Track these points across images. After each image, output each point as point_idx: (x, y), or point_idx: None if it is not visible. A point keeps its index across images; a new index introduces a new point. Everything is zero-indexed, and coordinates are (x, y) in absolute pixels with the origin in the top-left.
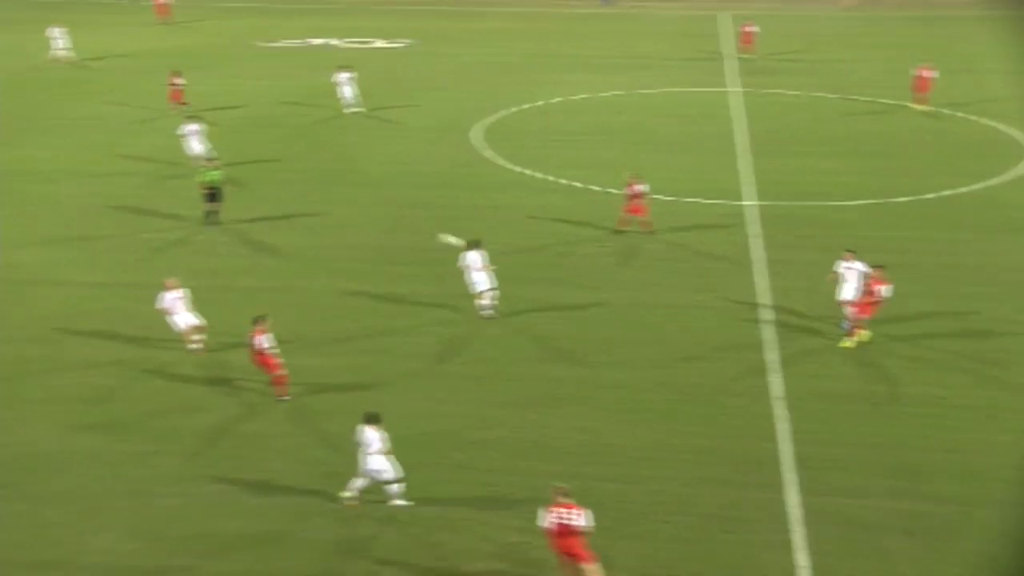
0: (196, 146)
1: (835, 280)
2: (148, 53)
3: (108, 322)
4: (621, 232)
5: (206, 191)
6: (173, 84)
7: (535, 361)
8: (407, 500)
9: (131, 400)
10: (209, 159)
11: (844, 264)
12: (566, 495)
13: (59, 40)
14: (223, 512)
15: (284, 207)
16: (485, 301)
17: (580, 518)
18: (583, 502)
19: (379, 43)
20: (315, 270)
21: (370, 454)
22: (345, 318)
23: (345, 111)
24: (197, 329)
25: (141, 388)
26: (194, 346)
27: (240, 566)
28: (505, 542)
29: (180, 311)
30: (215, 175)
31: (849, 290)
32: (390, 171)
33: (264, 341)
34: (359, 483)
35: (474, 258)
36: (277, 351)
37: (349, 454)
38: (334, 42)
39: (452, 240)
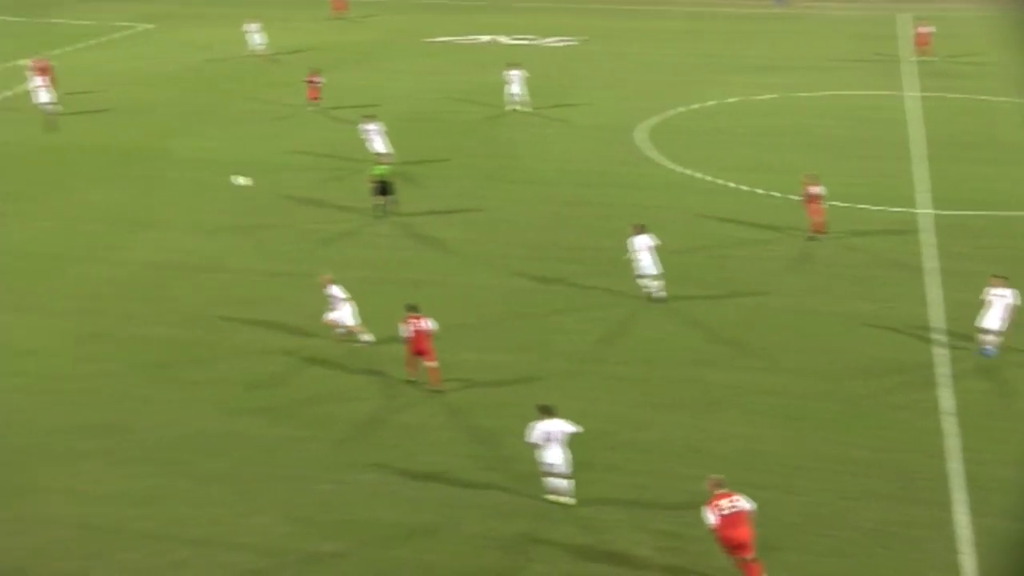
0: (378, 144)
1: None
2: (324, 47)
3: (272, 310)
4: (814, 239)
5: (375, 184)
6: (312, 82)
7: (693, 364)
8: (571, 498)
9: (290, 387)
10: (384, 154)
11: (993, 291)
12: (721, 485)
13: (255, 35)
14: (377, 501)
15: (448, 202)
16: (654, 284)
17: (744, 502)
18: None
19: (547, 41)
20: (477, 265)
21: (546, 447)
22: (504, 314)
23: (507, 108)
24: (341, 323)
25: (300, 375)
26: (341, 333)
27: (392, 555)
28: (656, 546)
29: (337, 305)
30: (384, 169)
31: (993, 319)
32: (554, 169)
33: (427, 324)
34: (553, 482)
35: (642, 242)
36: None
37: (502, 448)
38: (502, 39)
39: (242, 181)
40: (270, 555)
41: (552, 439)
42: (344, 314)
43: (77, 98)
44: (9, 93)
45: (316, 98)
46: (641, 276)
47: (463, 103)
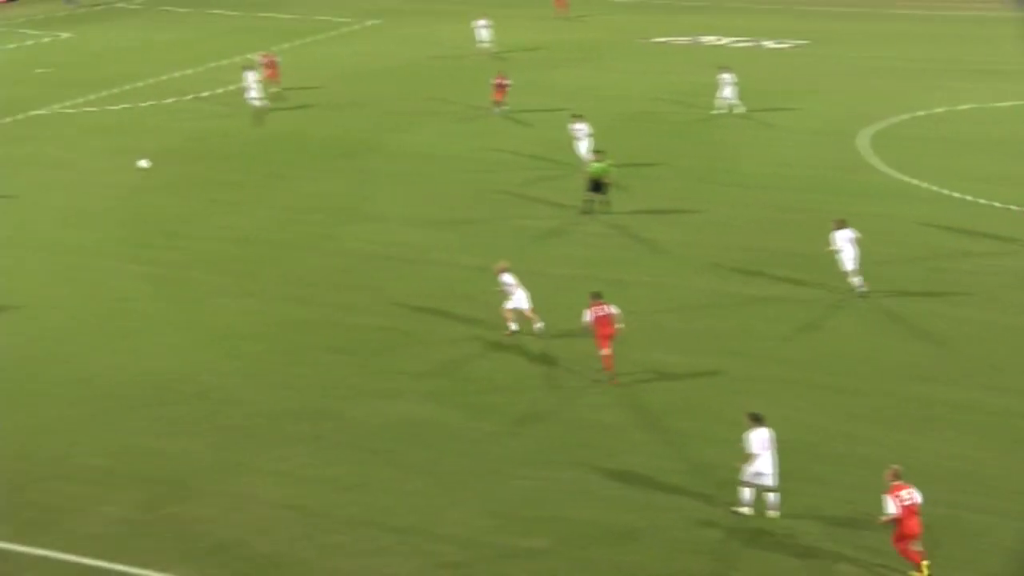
0: (582, 145)
1: None
2: (545, 46)
3: (480, 305)
4: None
5: (590, 180)
6: (499, 84)
7: (907, 378)
8: (777, 512)
9: (495, 381)
10: (596, 152)
11: None
12: (899, 476)
13: (483, 31)
14: (577, 499)
15: (658, 203)
16: (856, 279)
17: (918, 494)
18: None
19: (769, 43)
20: (685, 267)
21: (756, 457)
22: (712, 317)
23: (715, 111)
24: (520, 313)
25: (505, 371)
26: (513, 330)
27: (591, 555)
28: (859, 562)
29: (511, 291)
30: (600, 166)
31: None
32: (768, 173)
33: (610, 309)
34: (747, 494)
35: (843, 236)
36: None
37: (702, 453)
38: (723, 40)
39: (144, 164)
40: (469, 547)
41: (766, 447)
42: (519, 299)
43: (299, 92)
44: (232, 87)
45: (501, 99)
46: (847, 272)
47: (678, 104)
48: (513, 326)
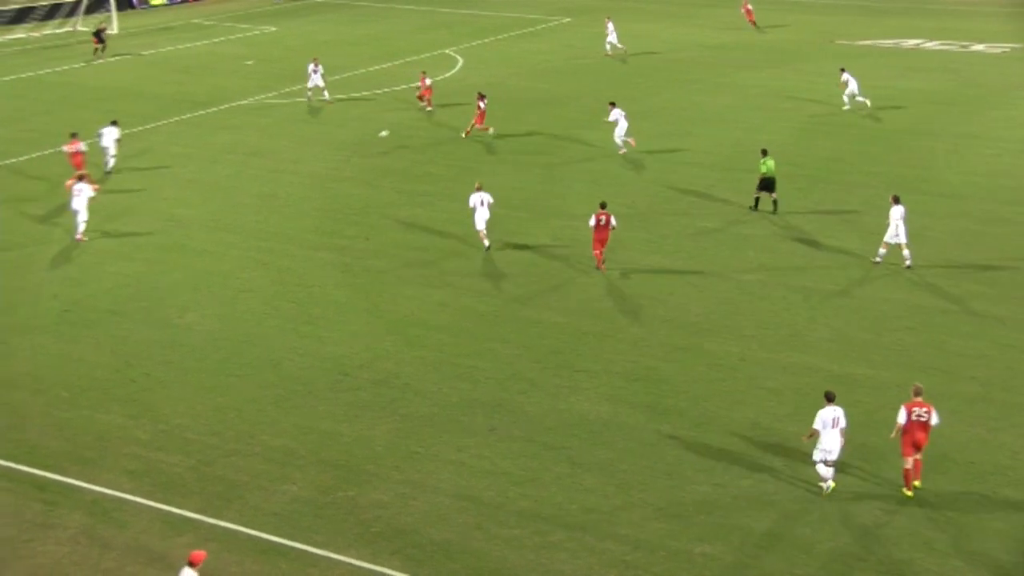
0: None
1: None
2: (740, 46)
3: (664, 305)
4: None
5: (761, 180)
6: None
7: None
8: (829, 483)
9: (675, 384)
10: (762, 150)
11: None
12: (920, 393)
13: (610, 36)
14: (753, 508)
15: (846, 208)
16: (904, 252)
17: (935, 416)
18: None
19: (977, 47)
20: (878, 278)
21: (825, 433)
22: (907, 330)
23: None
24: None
25: (687, 374)
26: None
27: (765, 565)
28: None
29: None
30: (770, 164)
31: None
32: (972, 183)
33: (610, 220)
34: (823, 470)
35: (897, 212)
36: None
37: (890, 470)
38: (928, 44)
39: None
40: (640, 549)
41: (834, 425)
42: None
43: (491, 87)
44: (440, 76)
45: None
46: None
47: (879, 109)
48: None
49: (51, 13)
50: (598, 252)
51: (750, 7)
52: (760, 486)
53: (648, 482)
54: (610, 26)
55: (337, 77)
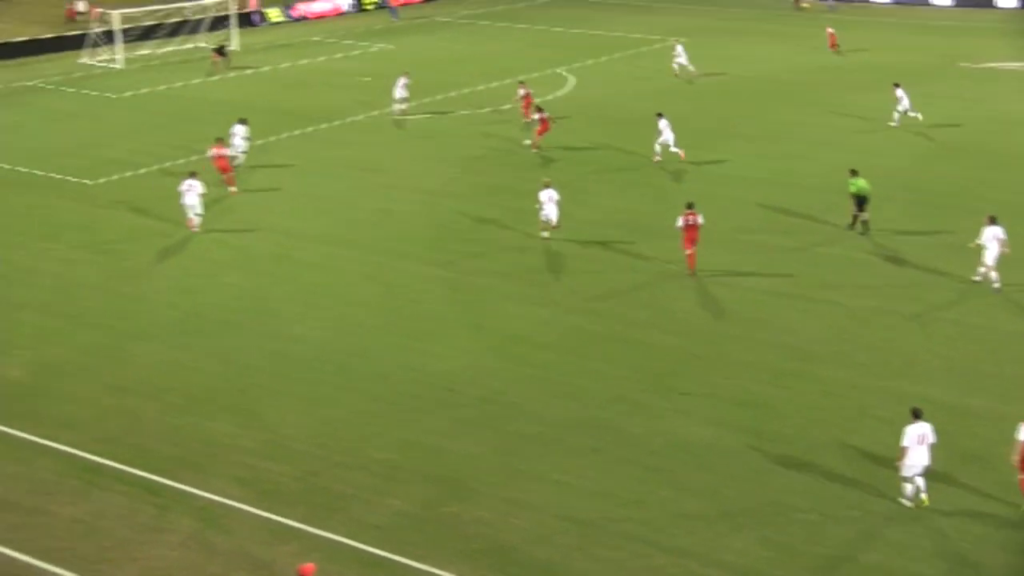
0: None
1: None
2: (855, 68)
3: (771, 329)
4: None
5: (854, 198)
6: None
7: None
8: (910, 501)
9: (782, 411)
10: (851, 170)
11: None
12: (691, 207)
13: (679, 57)
14: (862, 541)
15: (962, 234)
16: (992, 274)
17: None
18: None
19: None
20: (996, 307)
21: (913, 449)
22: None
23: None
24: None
25: (797, 401)
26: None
27: None
28: None
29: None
30: (860, 183)
31: None
32: None
33: (698, 219)
34: (907, 488)
35: (990, 233)
36: None
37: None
38: None
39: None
40: None
41: (921, 442)
42: (550, 212)
43: (602, 107)
44: (551, 95)
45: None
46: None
47: (999, 133)
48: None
49: (175, 30)
50: (691, 253)
51: (831, 30)
52: (869, 519)
53: (753, 509)
54: (679, 48)
55: (453, 94)
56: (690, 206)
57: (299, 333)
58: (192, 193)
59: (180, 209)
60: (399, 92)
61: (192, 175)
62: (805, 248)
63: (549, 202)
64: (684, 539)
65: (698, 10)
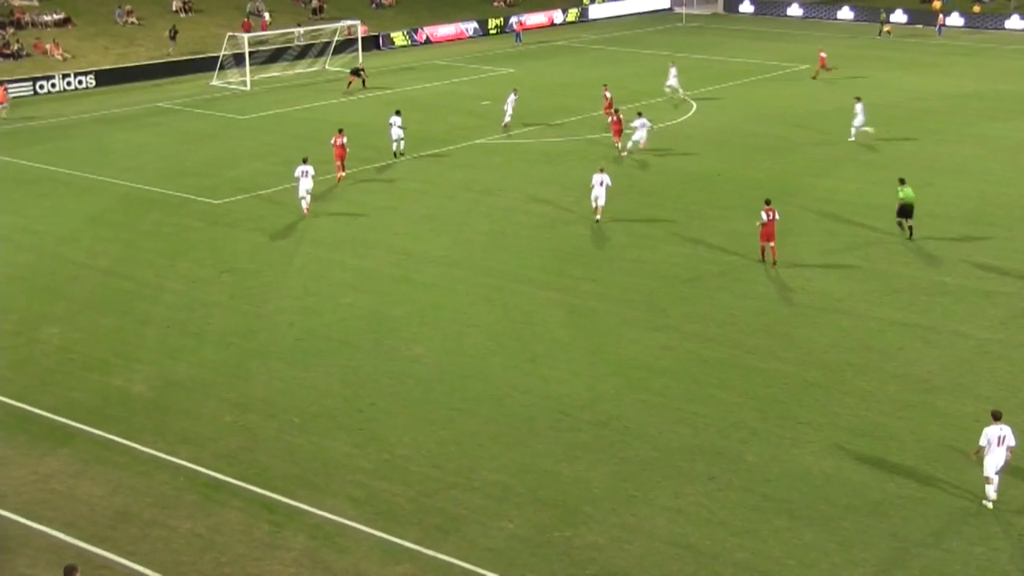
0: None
1: None
2: (986, 96)
3: (892, 360)
4: None
5: (900, 206)
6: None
7: None
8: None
9: (903, 440)
10: (901, 180)
11: None
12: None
13: (671, 79)
14: None
15: None
16: None
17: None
18: None
19: None
20: None
21: (990, 451)
22: None
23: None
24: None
25: (917, 432)
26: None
27: None
28: None
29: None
30: (908, 192)
31: None
32: None
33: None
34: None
35: None
36: None
37: None
38: None
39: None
40: None
41: (999, 443)
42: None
43: (721, 132)
44: (673, 121)
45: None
46: None
47: None
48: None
49: (303, 53)
50: (773, 246)
51: (823, 55)
52: (992, 555)
53: (871, 542)
54: (673, 70)
55: (575, 118)
56: (768, 202)
57: (416, 354)
58: (307, 178)
59: (295, 194)
60: (509, 107)
61: (305, 160)
62: (933, 279)
63: (599, 186)
64: (799, 571)
65: (812, 36)
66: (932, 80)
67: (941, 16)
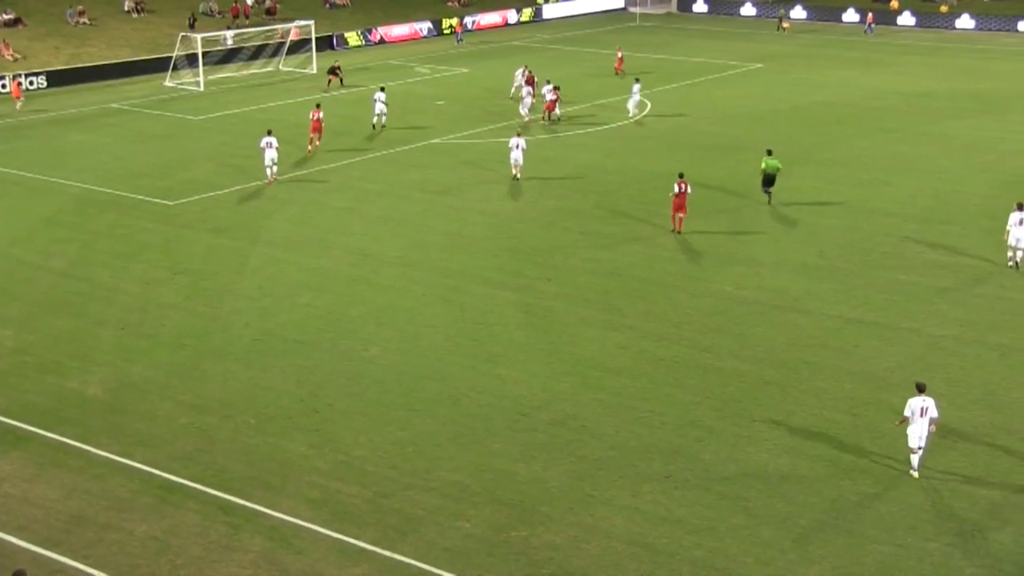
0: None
1: None
2: (943, 95)
3: (847, 358)
4: None
5: (763, 176)
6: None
7: None
8: (915, 471)
9: (860, 440)
10: (768, 151)
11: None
12: (681, 176)
13: (634, 96)
14: (939, 572)
15: None
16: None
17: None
18: None
19: None
20: None
21: (913, 421)
22: None
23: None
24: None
25: (874, 430)
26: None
27: None
28: None
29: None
30: (771, 163)
31: None
32: None
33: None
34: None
35: (1015, 217)
36: None
37: None
38: None
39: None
40: None
41: (922, 414)
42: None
43: (678, 132)
44: (618, 124)
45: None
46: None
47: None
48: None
49: (256, 54)
50: (682, 217)
51: (621, 55)
52: (946, 550)
53: (827, 539)
54: (635, 87)
55: (532, 118)
56: (681, 175)
57: (373, 354)
58: (271, 149)
59: (260, 164)
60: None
61: (269, 132)
62: (888, 276)
63: (516, 148)
64: (756, 568)
65: (768, 36)
66: (887, 79)
67: (870, 15)
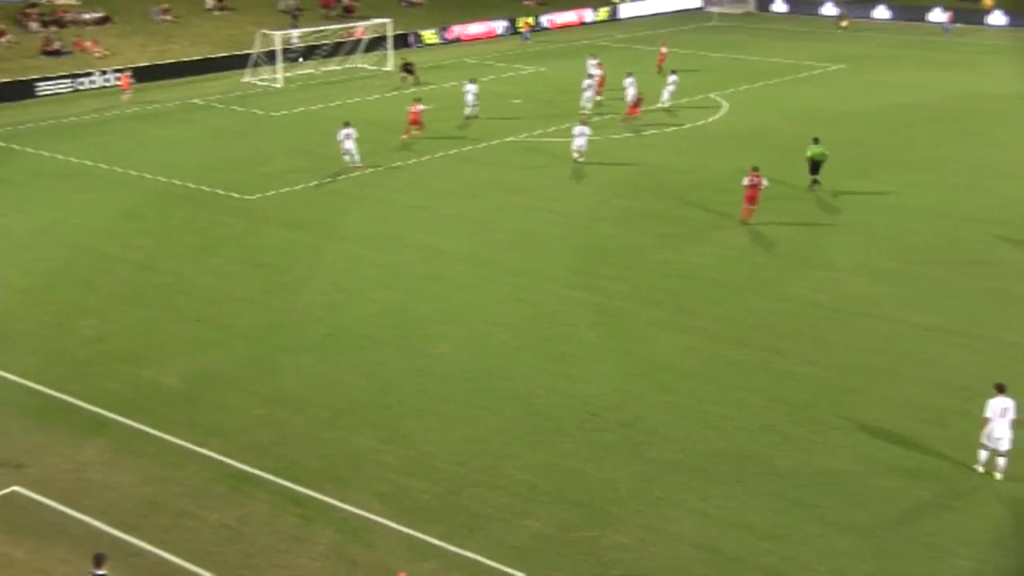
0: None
1: None
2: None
3: (923, 366)
4: None
5: (809, 162)
6: None
7: None
8: (1001, 474)
9: (939, 449)
10: (815, 139)
11: None
12: (756, 169)
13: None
14: None
15: None
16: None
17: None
18: None
19: None
20: None
21: (995, 421)
22: None
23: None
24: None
25: (953, 440)
26: None
27: None
28: None
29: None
30: (817, 150)
31: None
32: None
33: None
34: (982, 455)
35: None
36: None
37: None
38: None
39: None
40: None
41: (1003, 415)
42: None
43: (752, 133)
44: (688, 126)
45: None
46: None
47: None
48: None
49: (334, 51)
50: (753, 208)
51: (664, 51)
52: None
53: (906, 551)
54: (672, 78)
55: (605, 117)
56: (755, 168)
57: (443, 351)
58: (349, 140)
59: (337, 155)
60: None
61: (347, 124)
62: (976, 284)
63: (581, 136)
64: None
65: (847, 36)
66: (974, 80)
67: (949, 14)
